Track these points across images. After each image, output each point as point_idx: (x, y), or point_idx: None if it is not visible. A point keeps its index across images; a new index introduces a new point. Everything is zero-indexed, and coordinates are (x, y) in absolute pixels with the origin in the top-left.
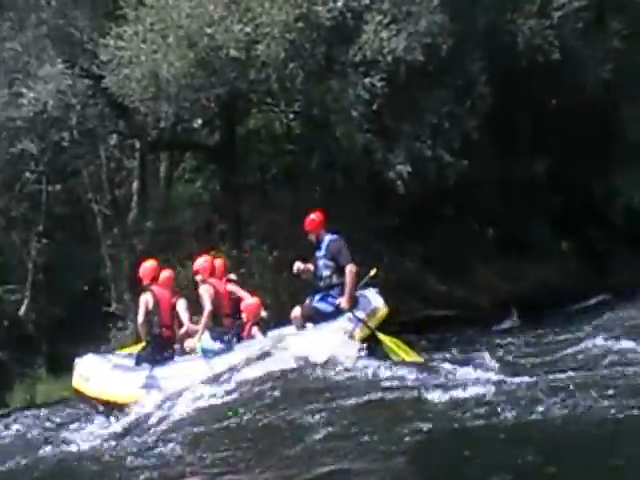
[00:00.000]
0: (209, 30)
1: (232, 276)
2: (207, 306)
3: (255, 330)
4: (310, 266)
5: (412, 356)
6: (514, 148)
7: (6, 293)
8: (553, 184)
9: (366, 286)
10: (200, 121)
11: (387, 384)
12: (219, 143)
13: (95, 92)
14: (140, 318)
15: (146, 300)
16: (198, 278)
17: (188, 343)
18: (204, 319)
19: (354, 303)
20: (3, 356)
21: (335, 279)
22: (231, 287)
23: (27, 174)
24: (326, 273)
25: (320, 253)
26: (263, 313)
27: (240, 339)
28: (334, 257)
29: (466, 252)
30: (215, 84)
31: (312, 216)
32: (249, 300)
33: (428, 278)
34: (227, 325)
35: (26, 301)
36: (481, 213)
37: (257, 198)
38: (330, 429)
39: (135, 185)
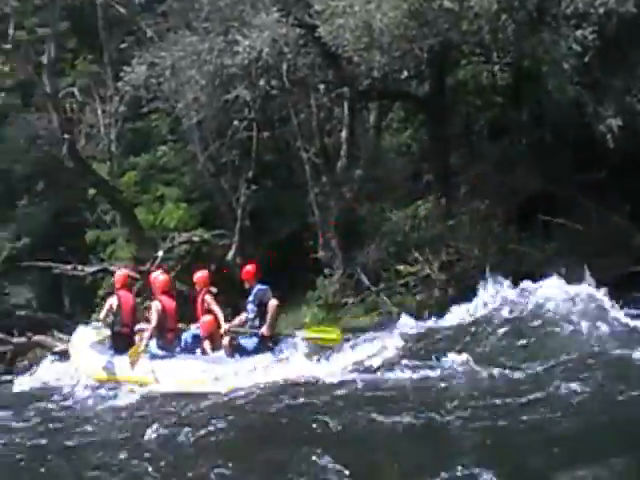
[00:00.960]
0: None
1: (213, 289)
2: (153, 321)
3: (207, 345)
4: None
5: (332, 333)
6: None
7: (215, 238)
8: None
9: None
10: (410, 71)
11: None
12: (428, 94)
13: (307, 41)
14: (101, 316)
15: (111, 302)
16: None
17: (133, 349)
18: (147, 333)
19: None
20: None
21: (258, 322)
22: (208, 298)
23: (238, 121)
24: (251, 316)
25: (249, 299)
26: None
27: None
28: (260, 303)
29: None
30: (427, 35)
31: (247, 267)
32: (206, 318)
33: (635, 234)
34: (170, 338)
35: (234, 246)
36: None
37: (465, 149)
38: None
39: (344, 134)
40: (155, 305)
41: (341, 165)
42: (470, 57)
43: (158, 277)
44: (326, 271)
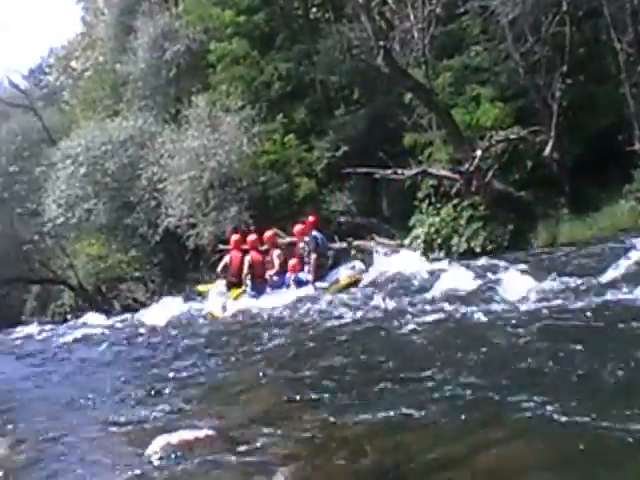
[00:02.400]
0: None
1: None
2: (245, 270)
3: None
4: None
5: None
6: None
7: (530, 134)
8: None
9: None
10: None
11: None
12: None
13: None
14: (219, 269)
15: (225, 260)
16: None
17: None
18: (247, 280)
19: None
20: (527, 196)
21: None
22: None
23: (550, 16)
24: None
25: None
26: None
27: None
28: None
29: None
30: None
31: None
32: (291, 261)
33: None
34: (259, 282)
35: (550, 142)
36: None
37: None
38: None
39: None
40: (247, 259)
41: None
42: None
43: (248, 237)
44: None
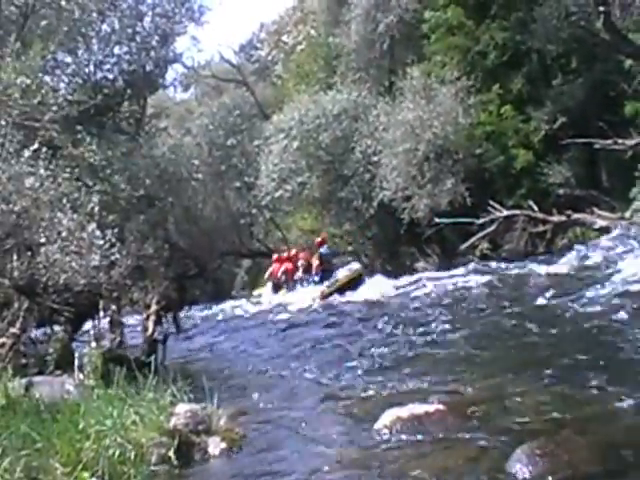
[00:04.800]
0: None
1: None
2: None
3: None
4: None
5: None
6: None
7: None
8: None
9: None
10: None
11: None
12: None
13: None
14: (265, 276)
15: (270, 269)
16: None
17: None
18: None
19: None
20: None
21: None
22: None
23: None
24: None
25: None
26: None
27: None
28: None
29: None
30: None
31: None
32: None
33: None
34: (291, 283)
35: None
36: None
37: None
38: None
39: None
40: (282, 268)
41: None
42: None
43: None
44: None
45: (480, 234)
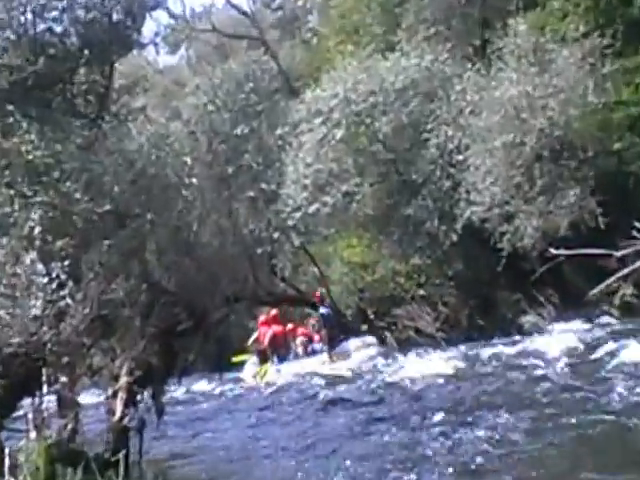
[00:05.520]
0: None
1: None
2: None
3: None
4: None
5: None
6: None
7: None
8: None
9: None
10: None
11: None
12: None
13: None
14: (249, 343)
15: (255, 334)
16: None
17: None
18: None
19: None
20: None
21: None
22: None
23: None
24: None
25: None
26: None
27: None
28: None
29: None
30: None
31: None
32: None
33: None
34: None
35: None
36: None
37: None
38: None
39: None
40: (269, 332)
41: None
42: None
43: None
44: None
45: (620, 273)
